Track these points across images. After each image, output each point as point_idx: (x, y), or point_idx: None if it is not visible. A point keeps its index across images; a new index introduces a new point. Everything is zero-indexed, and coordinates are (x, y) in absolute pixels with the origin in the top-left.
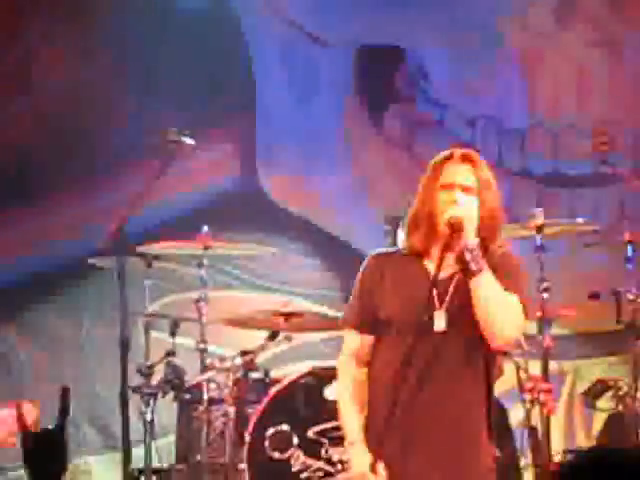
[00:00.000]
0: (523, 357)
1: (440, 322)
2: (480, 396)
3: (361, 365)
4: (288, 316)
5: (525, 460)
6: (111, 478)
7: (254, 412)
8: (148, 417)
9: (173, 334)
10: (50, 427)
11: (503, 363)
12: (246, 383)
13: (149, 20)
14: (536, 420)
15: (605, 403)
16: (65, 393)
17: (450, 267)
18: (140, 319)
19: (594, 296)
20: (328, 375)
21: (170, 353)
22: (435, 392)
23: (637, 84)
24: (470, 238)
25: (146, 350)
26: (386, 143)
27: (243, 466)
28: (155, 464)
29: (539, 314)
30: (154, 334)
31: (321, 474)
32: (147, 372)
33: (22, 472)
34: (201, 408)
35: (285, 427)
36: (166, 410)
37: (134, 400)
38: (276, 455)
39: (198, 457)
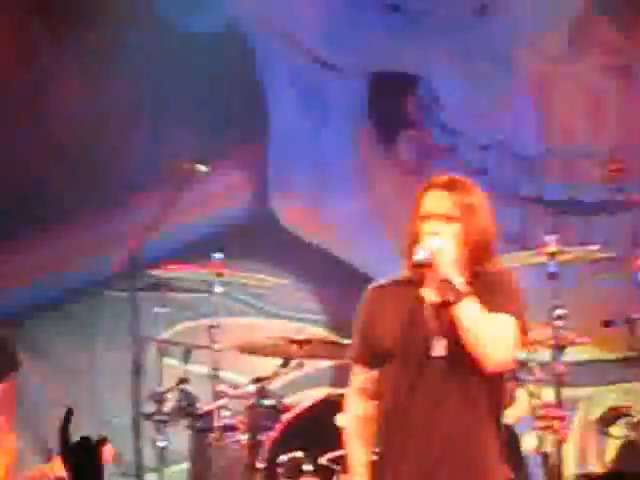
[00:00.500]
0: (536, 384)
1: (439, 349)
2: (488, 418)
3: (368, 398)
4: (301, 343)
5: None
6: None
7: (267, 439)
8: (161, 444)
9: (186, 361)
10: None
11: (515, 391)
12: (259, 410)
13: (163, 51)
14: (549, 447)
15: (618, 430)
16: (67, 415)
17: None
18: (153, 346)
19: (607, 323)
20: (341, 402)
21: (183, 380)
22: (443, 419)
23: None
24: (444, 270)
25: (159, 377)
26: (400, 172)
27: None
28: None
29: (552, 341)
30: (167, 361)
31: None
32: (160, 399)
33: None
34: (214, 435)
35: (298, 454)
36: (179, 437)
37: (147, 427)
38: None
39: None
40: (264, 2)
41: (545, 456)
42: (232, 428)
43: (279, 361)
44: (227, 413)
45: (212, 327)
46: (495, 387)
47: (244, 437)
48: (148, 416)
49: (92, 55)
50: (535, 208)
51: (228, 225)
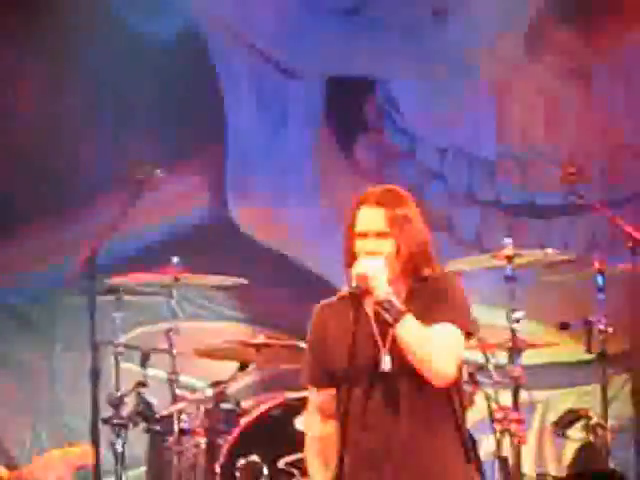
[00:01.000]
0: (493, 387)
1: (387, 363)
2: (445, 426)
3: (326, 418)
4: (259, 347)
5: None
6: None
7: (225, 443)
8: (119, 448)
9: (144, 365)
10: None
11: (475, 394)
12: (217, 414)
13: (117, 53)
14: (507, 450)
15: (576, 433)
16: None
17: None
18: (110, 350)
19: (564, 326)
20: (299, 406)
21: (141, 384)
22: (400, 432)
23: (605, 114)
24: (380, 292)
25: (116, 381)
26: (358, 175)
27: None
28: None
29: (509, 344)
30: (125, 365)
31: None
32: (117, 403)
33: None
34: (172, 439)
35: (256, 458)
36: (137, 441)
37: (105, 431)
38: None
39: None
40: (222, 5)
41: (503, 459)
42: (190, 432)
43: (237, 365)
44: (185, 417)
45: (170, 331)
46: (450, 393)
47: (202, 441)
48: (106, 420)
49: (50, 57)
50: (493, 211)
51: (187, 226)
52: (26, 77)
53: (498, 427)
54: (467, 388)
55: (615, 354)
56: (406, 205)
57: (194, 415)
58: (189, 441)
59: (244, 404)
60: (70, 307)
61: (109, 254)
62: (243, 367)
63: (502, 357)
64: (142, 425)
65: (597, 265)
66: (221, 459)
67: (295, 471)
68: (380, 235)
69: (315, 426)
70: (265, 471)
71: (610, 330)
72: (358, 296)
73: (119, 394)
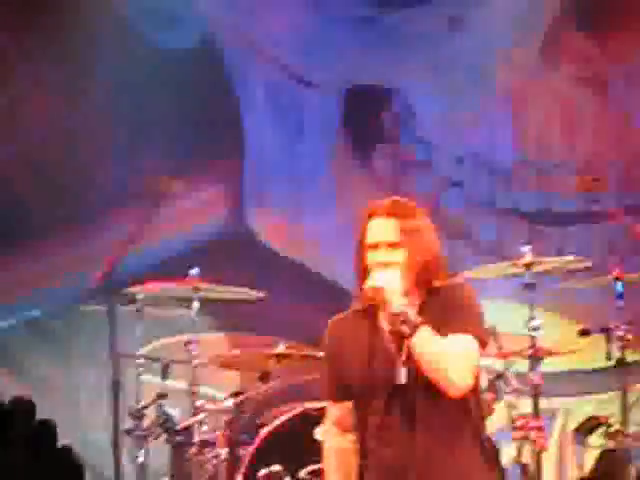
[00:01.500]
0: (514, 395)
1: (401, 376)
2: (464, 434)
3: (344, 432)
4: (279, 357)
5: None
6: None
7: (246, 453)
8: (140, 460)
9: (164, 377)
10: None
11: (494, 402)
12: (238, 424)
13: (134, 68)
14: (527, 457)
15: (596, 440)
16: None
17: None
18: (131, 363)
19: (584, 333)
20: (319, 416)
21: (161, 396)
22: (418, 444)
23: (621, 122)
24: (395, 304)
25: (137, 393)
26: (376, 187)
27: None
28: None
29: (529, 352)
30: (145, 377)
31: None
32: (139, 415)
33: None
34: (193, 450)
35: (277, 468)
36: (158, 453)
37: (126, 443)
38: None
39: None
40: (238, 19)
41: (524, 467)
42: (211, 443)
43: (257, 375)
44: (206, 428)
45: (190, 342)
46: (468, 403)
47: (223, 452)
48: (127, 432)
49: (66, 73)
50: (511, 219)
51: (205, 241)
52: (43, 93)
53: (518, 434)
54: (485, 396)
55: (634, 361)
56: (416, 216)
57: (215, 426)
58: (210, 452)
59: (265, 414)
60: (88, 322)
61: (127, 268)
62: (263, 377)
63: (522, 365)
64: (163, 437)
65: (615, 272)
66: (242, 469)
67: None
68: (392, 245)
69: (333, 440)
70: None
71: (629, 337)
72: (373, 309)
73: (140, 406)
